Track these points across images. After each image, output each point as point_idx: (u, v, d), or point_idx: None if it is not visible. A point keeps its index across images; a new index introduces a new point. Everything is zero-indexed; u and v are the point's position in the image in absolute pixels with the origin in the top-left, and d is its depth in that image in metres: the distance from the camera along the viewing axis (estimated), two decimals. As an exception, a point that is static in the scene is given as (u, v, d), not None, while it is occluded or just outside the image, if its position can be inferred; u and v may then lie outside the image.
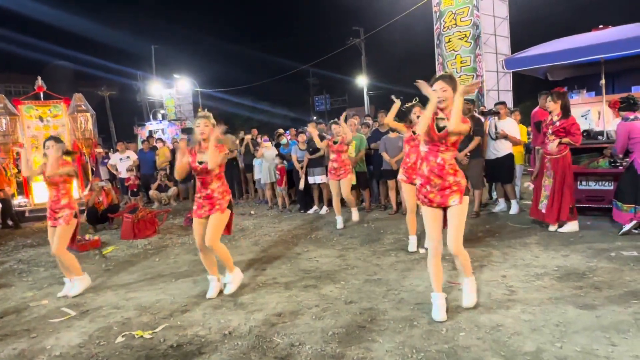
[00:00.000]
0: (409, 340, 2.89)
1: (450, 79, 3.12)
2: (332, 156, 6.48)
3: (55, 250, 4.30)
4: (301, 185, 7.98)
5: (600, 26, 6.91)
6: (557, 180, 5.19)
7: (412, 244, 5.00)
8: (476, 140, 6.26)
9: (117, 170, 10.81)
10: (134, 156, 10.89)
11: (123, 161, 10.73)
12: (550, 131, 5.20)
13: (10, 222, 8.88)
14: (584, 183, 5.93)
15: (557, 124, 5.12)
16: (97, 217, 7.88)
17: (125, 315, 3.71)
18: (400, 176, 4.97)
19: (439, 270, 3.21)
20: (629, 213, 4.91)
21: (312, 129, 8.21)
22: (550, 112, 5.28)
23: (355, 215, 6.74)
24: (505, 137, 6.42)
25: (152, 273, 4.97)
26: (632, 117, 4.94)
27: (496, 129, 6.51)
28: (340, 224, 6.57)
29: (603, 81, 6.48)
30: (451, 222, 3.14)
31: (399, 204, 7.41)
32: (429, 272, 3.25)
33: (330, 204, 8.15)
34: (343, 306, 3.53)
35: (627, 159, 5.13)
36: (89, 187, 8.70)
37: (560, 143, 5.12)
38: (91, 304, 4.06)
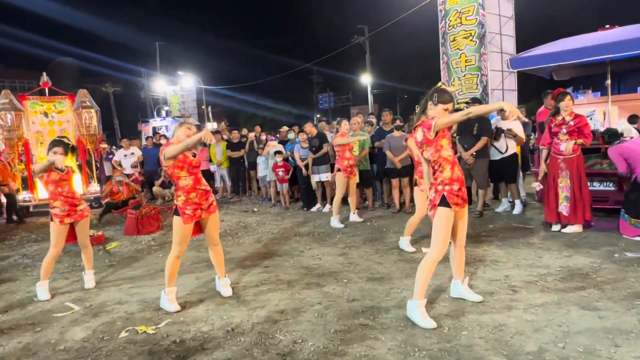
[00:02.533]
0: (411, 338, 2.89)
1: None
2: (348, 154, 6.51)
3: (87, 242, 4.45)
4: (313, 184, 8.00)
5: (607, 26, 6.88)
6: (574, 181, 5.16)
7: (406, 244, 5.01)
8: (483, 140, 6.25)
9: (121, 166, 10.85)
10: (138, 152, 10.93)
11: (127, 157, 10.76)
12: (564, 131, 5.17)
13: (14, 217, 8.94)
14: (588, 184, 5.90)
15: (572, 123, 5.10)
16: (117, 206, 8.27)
17: (128, 311, 3.73)
18: (422, 187, 4.68)
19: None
20: (636, 228, 4.87)
21: (310, 129, 8.22)
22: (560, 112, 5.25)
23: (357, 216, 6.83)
24: (515, 136, 6.41)
25: (156, 269, 4.99)
26: (617, 141, 5.09)
27: (502, 131, 6.47)
28: (355, 217, 6.72)
29: (609, 81, 6.46)
30: (465, 220, 3.30)
31: (402, 203, 7.41)
32: (422, 277, 3.10)
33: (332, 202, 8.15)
34: (345, 304, 3.54)
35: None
36: (112, 178, 8.92)
37: (575, 143, 5.12)
38: (95, 299, 4.08)
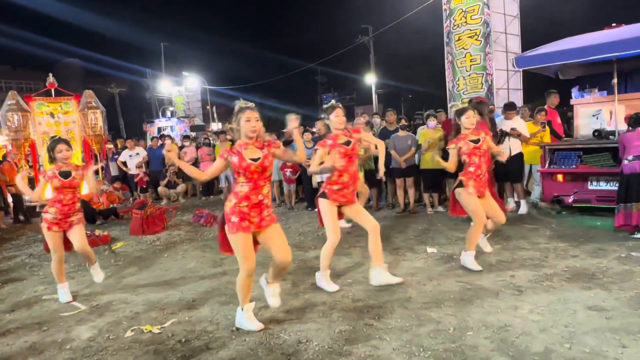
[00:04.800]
0: (416, 339, 2.88)
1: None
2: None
3: (85, 247, 4.16)
4: (314, 182, 7.99)
5: (613, 24, 6.82)
6: None
7: (471, 261, 4.18)
8: None
9: (126, 166, 10.90)
10: (143, 153, 10.97)
11: (132, 158, 10.81)
12: None
13: (21, 217, 9.01)
14: (594, 183, 5.86)
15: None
16: (92, 215, 8.16)
17: (134, 310, 3.75)
18: (470, 190, 4.15)
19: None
20: (619, 213, 4.97)
21: (320, 127, 8.22)
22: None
23: None
24: (519, 135, 6.38)
25: (161, 269, 5.01)
26: (629, 129, 5.18)
27: (507, 134, 6.46)
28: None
29: (615, 80, 6.40)
30: (361, 210, 4.05)
31: (407, 203, 7.39)
32: (324, 256, 3.93)
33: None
34: (350, 304, 3.53)
35: None
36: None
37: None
38: (101, 299, 4.10)
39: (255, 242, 3.17)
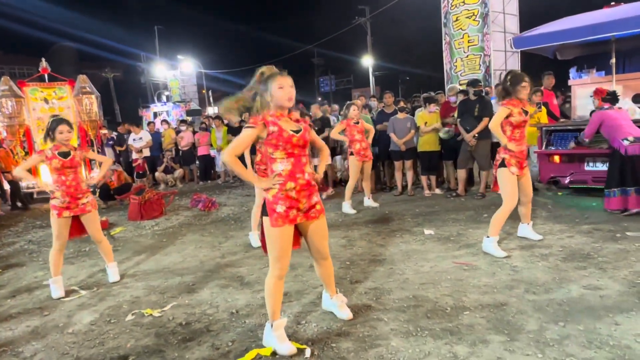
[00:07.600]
0: (414, 319, 2.92)
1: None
2: (358, 136, 6.32)
3: (100, 236, 4.09)
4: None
5: (612, 3, 6.75)
6: None
7: (494, 247, 4.05)
8: (485, 121, 6.19)
9: (131, 150, 10.91)
10: (147, 137, 10.90)
11: (136, 142, 10.77)
12: None
13: (19, 204, 9.01)
14: (590, 164, 5.88)
15: None
16: (109, 194, 8.38)
17: (134, 295, 3.78)
18: (513, 169, 4.09)
19: None
20: (615, 197, 5.00)
21: (315, 111, 8.19)
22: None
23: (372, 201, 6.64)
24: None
25: (160, 253, 5.04)
26: (606, 107, 5.19)
27: None
28: (370, 202, 6.57)
29: (613, 60, 6.37)
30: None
31: (405, 185, 7.41)
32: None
33: (335, 185, 8.16)
34: (348, 286, 3.57)
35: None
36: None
37: None
38: (101, 284, 4.14)
39: (296, 234, 2.73)
